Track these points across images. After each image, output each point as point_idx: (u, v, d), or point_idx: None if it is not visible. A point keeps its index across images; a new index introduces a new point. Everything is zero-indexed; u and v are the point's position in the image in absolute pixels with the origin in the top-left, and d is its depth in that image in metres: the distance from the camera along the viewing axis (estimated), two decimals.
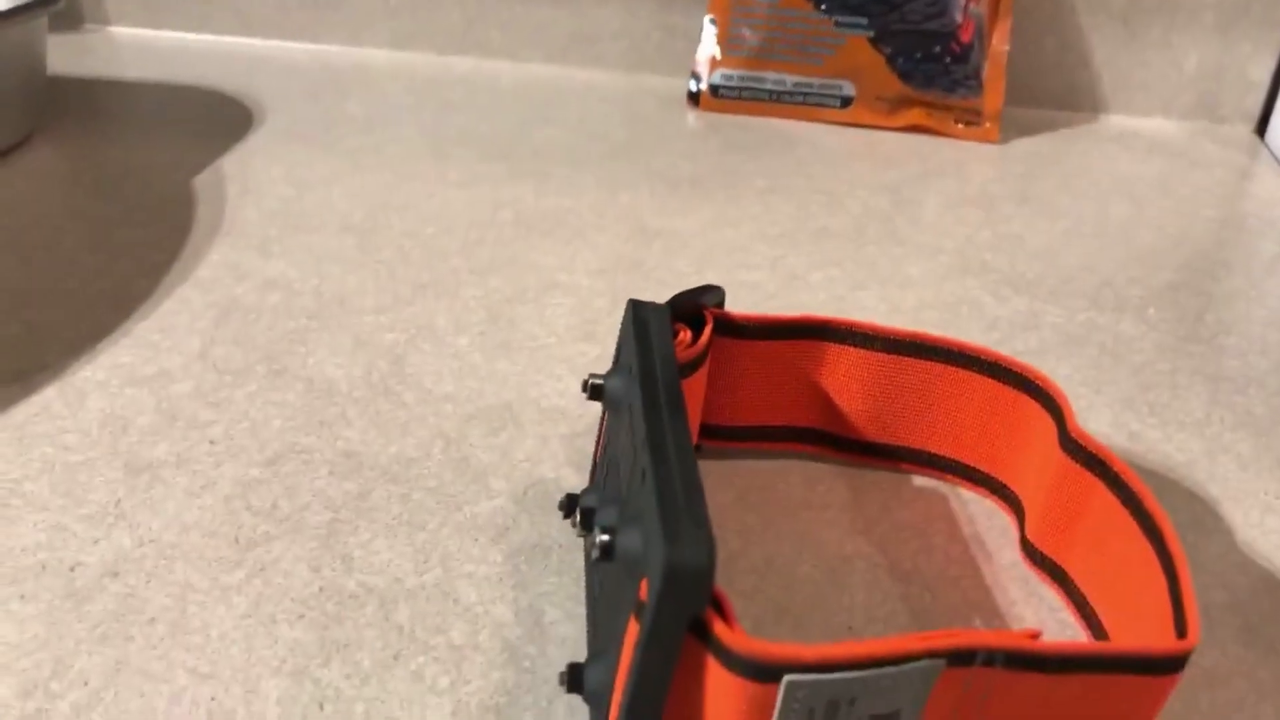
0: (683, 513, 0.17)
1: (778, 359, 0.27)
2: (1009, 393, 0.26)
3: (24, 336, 0.33)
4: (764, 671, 0.17)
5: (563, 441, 0.29)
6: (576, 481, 0.28)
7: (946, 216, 0.44)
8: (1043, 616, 0.24)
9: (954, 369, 0.27)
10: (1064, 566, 0.24)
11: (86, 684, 0.21)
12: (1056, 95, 0.54)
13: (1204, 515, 0.28)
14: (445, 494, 0.27)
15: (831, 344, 0.27)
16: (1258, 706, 0.22)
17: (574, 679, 0.20)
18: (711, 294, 0.26)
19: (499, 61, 0.59)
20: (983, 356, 0.26)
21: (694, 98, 0.54)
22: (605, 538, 0.18)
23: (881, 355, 0.27)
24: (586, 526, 0.21)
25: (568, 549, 0.26)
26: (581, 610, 0.24)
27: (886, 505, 0.28)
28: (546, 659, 0.23)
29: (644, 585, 0.17)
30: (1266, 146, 0.52)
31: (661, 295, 0.37)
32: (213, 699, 0.21)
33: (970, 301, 0.37)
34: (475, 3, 0.58)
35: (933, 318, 0.36)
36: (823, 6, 0.50)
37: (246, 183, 0.44)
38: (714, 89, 0.53)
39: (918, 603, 0.24)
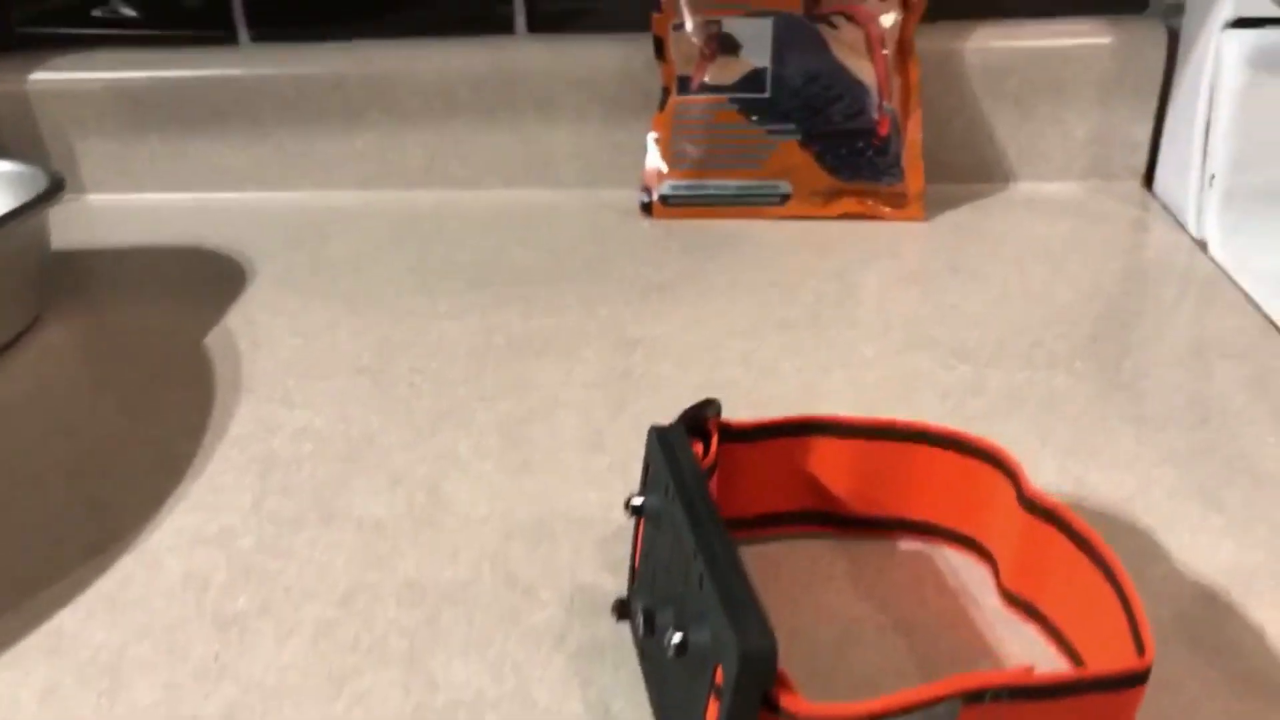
0: (744, 607, 0.21)
1: (775, 455, 0.32)
2: (972, 463, 0.31)
3: (90, 512, 0.37)
4: None
5: (595, 548, 0.33)
6: (613, 584, 0.32)
7: (889, 295, 0.49)
8: (1027, 649, 0.29)
9: (923, 447, 0.31)
10: (1038, 606, 0.29)
11: None
12: (970, 169, 0.61)
13: (1145, 543, 0.33)
14: (502, 610, 0.31)
15: (818, 437, 0.32)
16: (1209, 704, 0.27)
17: None
18: (711, 406, 0.31)
19: (462, 191, 0.64)
20: (944, 435, 0.31)
21: (646, 208, 0.59)
22: (679, 637, 0.22)
23: (862, 442, 0.32)
24: (650, 628, 0.25)
25: (618, 647, 0.30)
26: (642, 698, 0.28)
27: (880, 569, 0.32)
28: None
29: (719, 671, 0.22)
30: (1154, 196, 0.59)
31: (653, 401, 0.41)
32: None
33: (923, 374, 0.42)
34: (435, 139, 0.63)
35: (894, 390, 0.41)
36: (754, 118, 0.56)
37: (255, 336, 0.48)
38: (664, 199, 0.59)
39: (922, 651, 0.29)
